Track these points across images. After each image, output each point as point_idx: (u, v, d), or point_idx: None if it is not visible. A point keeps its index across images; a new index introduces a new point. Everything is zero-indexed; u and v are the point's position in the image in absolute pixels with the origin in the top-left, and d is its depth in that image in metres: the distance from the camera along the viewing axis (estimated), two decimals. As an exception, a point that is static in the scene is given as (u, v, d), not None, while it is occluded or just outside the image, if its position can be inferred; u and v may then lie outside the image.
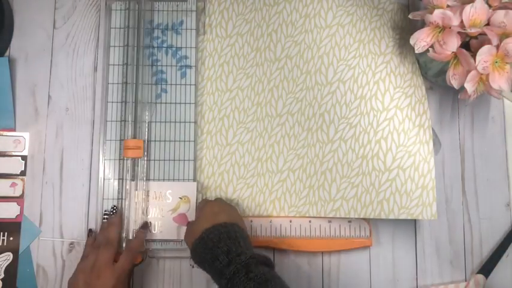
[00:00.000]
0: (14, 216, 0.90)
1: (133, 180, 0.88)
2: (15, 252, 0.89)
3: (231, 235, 0.74)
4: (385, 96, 0.90)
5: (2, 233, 0.89)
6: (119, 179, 0.89)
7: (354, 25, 0.92)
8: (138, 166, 0.88)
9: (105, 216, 0.89)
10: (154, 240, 0.88)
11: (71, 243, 0.90)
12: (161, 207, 0.88)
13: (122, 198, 0.89)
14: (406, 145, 0.88)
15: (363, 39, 0.92)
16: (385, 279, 0.90)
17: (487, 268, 0.90)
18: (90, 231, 0.89)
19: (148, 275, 0.89)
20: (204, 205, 0.82)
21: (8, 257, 0.88)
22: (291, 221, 0.89)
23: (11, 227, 0.90)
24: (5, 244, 0.89)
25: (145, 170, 0.89)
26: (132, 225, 0.87)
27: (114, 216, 0.87)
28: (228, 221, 0.77)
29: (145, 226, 0.87)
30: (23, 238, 0.89)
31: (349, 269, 0.90)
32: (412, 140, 0.88)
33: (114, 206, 0.89)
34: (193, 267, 0.88)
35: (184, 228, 0.86)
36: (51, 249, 0.90)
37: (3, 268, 0.88)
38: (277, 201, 0.89)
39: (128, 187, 0.88)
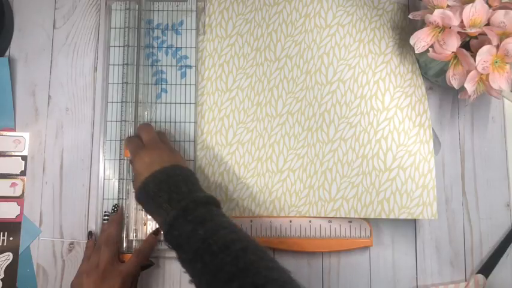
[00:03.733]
0: (14, 216, 0.90)
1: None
2: (15, 252, 0.89)
3: (169, 181, 0.73)
4: (385, 95, 0.90)
5: (2, 233, 0.89)
6: (119, 179, 0.89)
7: (354, 25, 0.93)
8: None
9: (105, 217, 0.89)
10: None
11: (71, 243, 0.90)
12: None
13: (122, 198, 0.89)
14: (407, 145, 0.88)
15: (363, 39, 0.92)
16: (385, 279, 0.90)
17: (487, 268, 0.89)
18: (90, 233, 0.89)
19: (149, 275, 0.89)
20: (133, 158, 0.80)
21: (8, 257, 0.88)
22: (291, 221, 0.89)
23: (11, 227, 0.89)
24: (5, 244, 0.89)
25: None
26: (133, 225, 0.87)
27: (115, 214, 0.88)
28: (167, 166, 0.76)
29: (157, 232, 0.87)
30: (23, 238, 0.89)
31: (349, 269, 0.90)
32: (413, 139, 0.88)
33: (116, 205, 0.89)
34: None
35: None
36: (51, 249, 0.90)
37: (3, 268, 0.88)
38: (277, 201, 0.89)
39: (128, 187, 0.88)
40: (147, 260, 0.86)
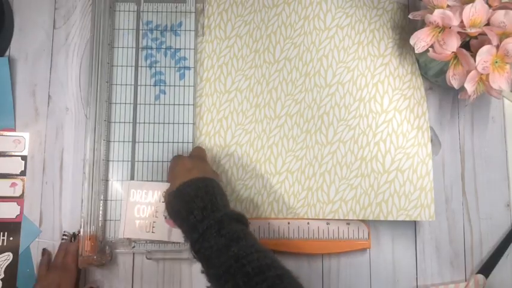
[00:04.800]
0: (14, 216, 0.90)
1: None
2: (15, 252, 0.89)
3: (208, 190, 0.74)
4: (384, 98, 0.89)
5: (2, 233, 0.89)
6: (118, 179, 0.90)
7: (353, 27, 0.92)
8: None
9: (64, 237, 0.89)
10: (148, 241, 0.88)
11: (71, 243, 0.90)
12: (157, 208, 0.88)
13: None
14: (405, 147, 0.88)
15: (362, 41, 0.92)
16: (385, 279, 0.90)
17: (487, 268, 0.90)
18: (44, 250, 0.90)
19: (148, 276, 0.89)
20: (175, 163, 0.81)
21: (8, 257, 0.89)
22: (289, 223, 0.89)
23: (11, 227, 0.90)
24: (5, 244, 0.89)
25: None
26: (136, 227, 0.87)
27: (72, 244, 0.88)
28: (206, 176, 0.76)
29: (74, 237, 0.89)
30: (23, 238, 0.90)
31: (349, 269, 0.90)
32: (411, 142, 0.88)
33: (73, 233, 0.90)
34: (166, 217, 0.87)
35: (175, 231, 0.86)
36: (51, 249, 0.90)
37: (3, 268, 0.88)
38: (275, 203, 0.89)
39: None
40: (75, 272, 0.86)
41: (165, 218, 0.87)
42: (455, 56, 0.80)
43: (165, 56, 0.93)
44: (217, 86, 0.93)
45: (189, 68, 0.92)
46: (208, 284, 0.70)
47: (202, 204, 0.72)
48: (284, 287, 0.64)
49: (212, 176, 0.78)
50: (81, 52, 0.95)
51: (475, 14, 0.78)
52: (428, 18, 0.80)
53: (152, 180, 0.90)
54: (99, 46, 0.91)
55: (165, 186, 0.84)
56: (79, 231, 0.88)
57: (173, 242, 0.87)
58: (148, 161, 0.90)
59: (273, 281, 0.64)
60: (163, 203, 0.85)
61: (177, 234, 0.84)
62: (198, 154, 0.84)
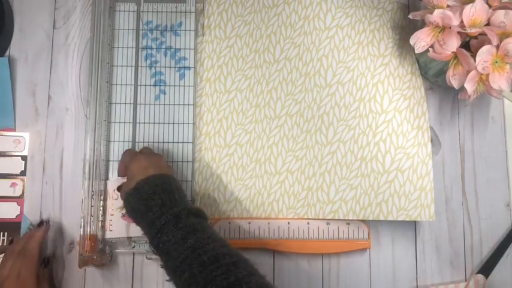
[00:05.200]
0: (14, 216, 0.90)
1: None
2: (16, 252, 0.89)
3: (165, 187, 0.74)
4: (384, 98, 0.89)
5: (2, 233, 0.89)
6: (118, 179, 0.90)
7: (353, 27, 0.92)
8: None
9: (31, 227, 0.89)
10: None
11: (71, 243, 0.90)
12: (112, 206, 0.89)
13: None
14: (405, 147, 0.88)
15: (362, 41, 0.92)
16: (385, 280, 0.90)
17: (487, 268, 0.89)
18: (11, 240, 0.89)
19: (148, 276, 0.89)
20: (130, 161, 0.80)
21: (8, 257, 0.89)
22: (289, 223, 0.89)
23: (11, 227, 0.90)
24: (5, 244, 0.89)
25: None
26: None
27: (38, 229, 0.87)
28: (163, 173, 0.77)
29: (41, 224, 0.88)
30: (23, 238, 0.90)
31: (349, 269, 0.90)
32: (411, 142, 0.88)
33: (42, 220, 0.90)
34: (123, 215, 0.87)
35: (133, 226, 0.85)
36: (51, 249, 0.90)
37: (4, 268, 0.88)
38: (275, 203, 0.89)
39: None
40: (36, 258, 0.84)
41: (122, 215, 0.88)
42: (455, 56, 0.80)
43: (165, 56, 0.93)
44: (217, 86, 0.93)
45: (189, 68, 0.92)
46: (167, 278, 0.71)
47: (161, 201, 0.72)
48: (239, 272, 0.64)
49: (168, 172, 0.79)
50: (81, 52, 0.95)
51: (475, 14, 0.78)
52: (428, 18, 0.80)
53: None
54: (99, 46, 0.91)
55: (117, 182, 0.86)
56: (48, 219, 0.90)
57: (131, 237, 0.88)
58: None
59: (227, 267, 0.65)
60: (116, 200, 0.86)
61: (136, 230, 0.83)
62: (146, 151, 0.84)
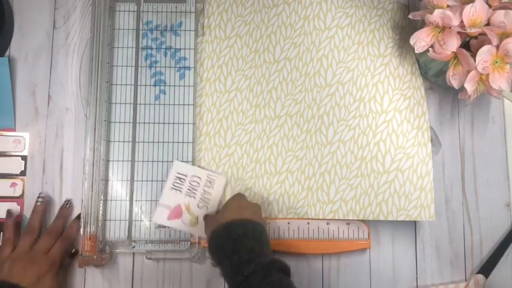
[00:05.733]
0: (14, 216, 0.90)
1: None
2: (16, 252, 0.89)
3: (256, 234, 0.73)
4: (384, 98, 0.89)
5: (2, 233, 0.89)
6: (118, 179, 0.90)
7: (353, 27, 0.92)
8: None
9: (40, 199, 0.89)
10: (153, 242, 0.89)
11: (71, 243, 0.90)
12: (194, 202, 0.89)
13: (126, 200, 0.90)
14: (405, 147, 0.88)
15: (362, 41, 0.92)
16: (385, 279, 0.90)
17: (487, 268, 0.89)
18: (9, 212, 0.89)
19: (148, 277, 0.89)
20: (233, 197, 0.81)
21: (8, 257, 0.89)
22: (289, 223, 0.89)
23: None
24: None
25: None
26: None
27: (65, 209, 0.89)
28: (256, 219, 0.76)
29: (80, 217, 0.88)
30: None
31: (349, 269, 0.90)
32: (411, 142, 0.88)
33: (68, 200, 0.91)
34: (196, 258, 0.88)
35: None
36: (52, 249, 0.90)
37: (4, 268, 0.88)
38: (275, 203, 0.89)
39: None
40: (72, 246, 0.87)
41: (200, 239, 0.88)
42: (455, 56, 0.80)
43: (165, 56, 0.93)
44: (217, 86, 0.93)
45: (189, 68, 0.92)
46: None
47: (250, 245, 0.71)
48: None
49: (262, 221, 0.78)
50: (81, 52, 0.95)
51: (475, 14, 0.78)
52: (428, 18, 0.80)
53: (153, 181, 0.90)
54: (99, 46, 0.91)
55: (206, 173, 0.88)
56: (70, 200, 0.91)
57: (174, 241, 0.89)
58: (148, 161, 0.90)
59: None
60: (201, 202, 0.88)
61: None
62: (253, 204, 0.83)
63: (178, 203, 0.88)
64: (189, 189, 0.88)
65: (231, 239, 0.72)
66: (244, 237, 0.72)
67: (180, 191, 0.88)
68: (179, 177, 0.88)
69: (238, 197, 0.81)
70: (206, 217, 0.85)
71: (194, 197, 0.88)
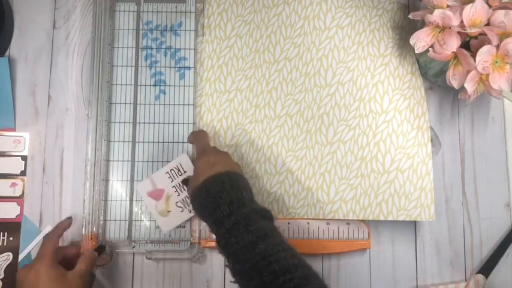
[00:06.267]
0: (14, 216, 0.90)
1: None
2: (15, 252, 0.89)
3: (233, 185, 0.73)
4: (384, 98, 0.89)
5: (2, 233, 0.89)
6: (118, 179, 0.90)
7: (353, 27, 0.92)
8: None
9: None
10: (153, 242, 0.89)
11: (71, 243, 0.90)
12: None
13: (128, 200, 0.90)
14: (405, 147, 0.88)
15: (362, 41, 0.92)
16: (385, 279, 0.90)
17: (487, 268, 0.89)
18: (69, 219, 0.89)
19: (148, 277, 0.89)
20: (197, 157, 0.81)
21: (8, 257, 0.89)
22: (289, 223, 0.89)
23: (11, 227, 0.90)
24: (5, 244, 0.89)
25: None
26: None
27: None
28: (230, 170, 0.76)
29: (102, 250, 0.86)
30: (23, 238, 0.90)
31: (349, 269, 0.90)
32: (411, 142, 0.88)
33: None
34: (190, 211, 0.88)
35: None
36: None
37: (3, 268, 0.88)
38: (275, 203, 0.89)
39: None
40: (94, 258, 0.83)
41: (189, 211, 0.88)
42: (455, 56, 0.80)
43: (165, 56, 0.93)
44: (217, 86, 0.93)
45: (189, 68, 0.92)
46: (232, 279, 0.70)
47: (229, 199, 0.72)
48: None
49: (235, 169, 0.78)
50: (82, 52, 0.95)
51: (475, 14, 0.78)
52: (428, 18, 0.80)
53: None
54: (100, 46, 0.91)
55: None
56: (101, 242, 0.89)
57: (174, 241, 0.88)
58: (148, 161, 0.90)
59: (299, 281, 0.65)
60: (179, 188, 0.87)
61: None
62: (213, 146, 0.84)
63: (164, 188, 0.88)
64: (179, 184, 0.88)
65: (210, 196, 0.73)
66: (222, 192, 0.72)
67: (172, 180, 0.88)
68: (178, 169, 0.88)
69: (205, 155, 0.79)
70: (186, 181, 0.86)
71: (178, 194, 0.88)
